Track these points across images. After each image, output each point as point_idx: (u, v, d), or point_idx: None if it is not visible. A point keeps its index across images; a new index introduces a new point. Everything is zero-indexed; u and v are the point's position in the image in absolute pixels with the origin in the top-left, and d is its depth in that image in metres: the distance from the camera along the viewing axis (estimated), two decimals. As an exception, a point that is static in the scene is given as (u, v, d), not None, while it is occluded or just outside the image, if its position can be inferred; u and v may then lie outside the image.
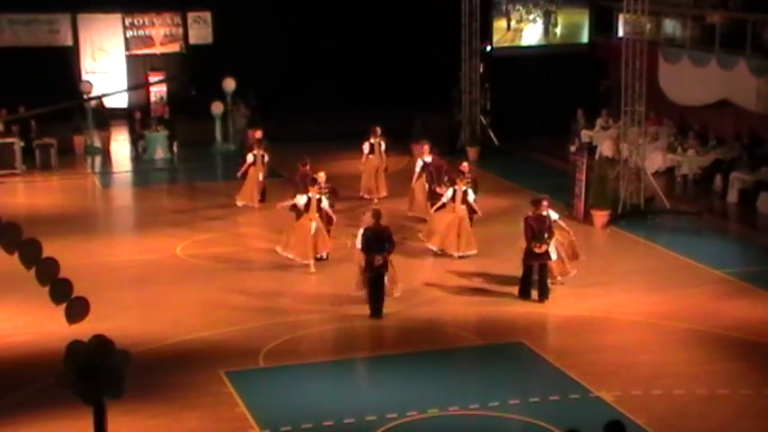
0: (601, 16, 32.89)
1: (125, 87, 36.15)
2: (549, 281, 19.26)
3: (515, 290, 19.37)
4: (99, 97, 32.79)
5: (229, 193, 26.63)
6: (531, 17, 32.94)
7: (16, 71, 33.92)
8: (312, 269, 20.79)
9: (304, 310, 18.79)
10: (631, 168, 25.43)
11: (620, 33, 28.38)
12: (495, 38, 32.84)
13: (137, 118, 33.00)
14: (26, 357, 16.62)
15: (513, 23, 32.95)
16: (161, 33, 37.30)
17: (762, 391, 15.15)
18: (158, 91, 35.98)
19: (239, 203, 25.91)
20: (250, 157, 26.01)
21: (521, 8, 32.83)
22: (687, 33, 29.26)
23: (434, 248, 21.92)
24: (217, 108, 33.08)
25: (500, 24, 32.84)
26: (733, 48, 27.13)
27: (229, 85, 33.10)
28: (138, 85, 35.93)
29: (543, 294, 19.06)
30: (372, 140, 26.37)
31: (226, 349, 16.95)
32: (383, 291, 18.30)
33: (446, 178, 23.13)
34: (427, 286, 19.99)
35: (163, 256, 22.20)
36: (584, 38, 33.49)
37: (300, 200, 21.03)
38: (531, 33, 33.31)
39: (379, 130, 26.35)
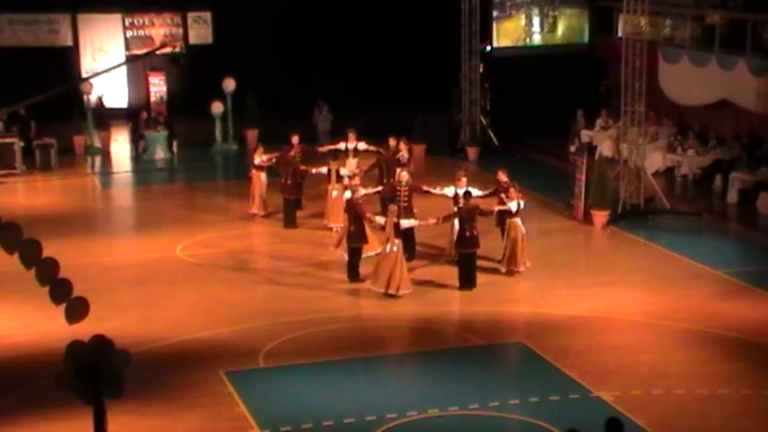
0: (601, 16, 32.85)
1: (117, 71, 35.88)
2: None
3: (515, 290, 19.54)
4: (88, 78, 32.81)
5: (229, 193, 26.55)
6: (532, 17, 32.92)
7: (16, 71, 33.88)
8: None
9: (304, 310, 18.78)
10: (631, 168, 25.44)
11: (620, 33, 28.35)
12: (508, 40, 32.81)
13: (143, 118, 33.01)
14: (26, 357, 16.62)
15: (515, 23, 32.96)
16: (161, 33, 37.27)
17: (761, 391, 15.15)
18: (158, 91, 36.02)
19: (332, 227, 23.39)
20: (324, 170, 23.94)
21: (522, 8, 32.81)
22: (687, 33, 29.23)
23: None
24: (217, 108, 33.06)
25: (510, 26, 32.81)
26: (733, 48, 27.11)
27: (229, 85, 33.07)
28: (128, 59, 35.88)
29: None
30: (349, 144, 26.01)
31: (226, 349, 16.95)
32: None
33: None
34: (427, 286, 19.98)
35: (163, 256, 22.19)
36: (585, 38, 33.46)
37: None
38: (532, 34, 33.26)
39: (352, 134, 25.87)
